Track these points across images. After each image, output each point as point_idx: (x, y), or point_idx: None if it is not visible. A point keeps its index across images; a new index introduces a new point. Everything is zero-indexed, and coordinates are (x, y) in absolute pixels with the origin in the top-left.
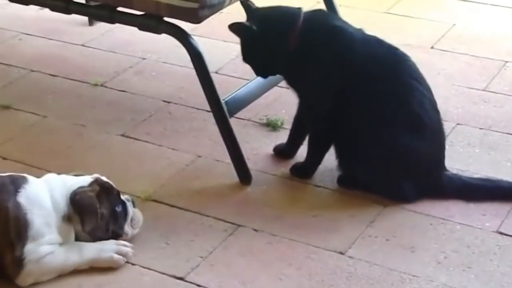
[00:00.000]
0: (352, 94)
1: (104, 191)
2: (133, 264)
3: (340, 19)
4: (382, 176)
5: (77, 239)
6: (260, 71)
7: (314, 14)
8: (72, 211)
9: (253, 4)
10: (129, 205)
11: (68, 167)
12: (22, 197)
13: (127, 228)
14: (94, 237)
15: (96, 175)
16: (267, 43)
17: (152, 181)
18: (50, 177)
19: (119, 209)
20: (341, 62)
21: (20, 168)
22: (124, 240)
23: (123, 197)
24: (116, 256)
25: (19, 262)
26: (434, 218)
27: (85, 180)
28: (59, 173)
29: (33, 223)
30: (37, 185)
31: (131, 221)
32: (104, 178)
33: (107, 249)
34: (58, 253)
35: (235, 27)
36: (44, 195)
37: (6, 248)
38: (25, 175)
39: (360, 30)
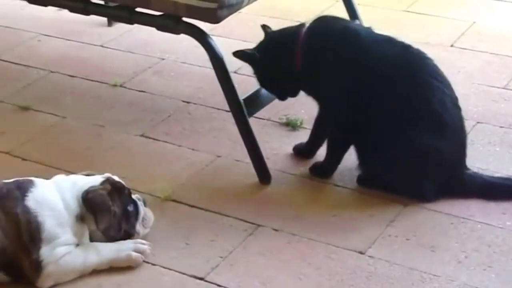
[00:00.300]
0: (369, 95)
1: (116, 190)
2: (153, 264)
3: (345, 20)
4: (403, 175)
5: (92, 240)
6: (279, 95)
7: (318, 22)
8: (85, 210)
9: (269, 28)
10: (140, 204)
11: (87, 167)
12: (30, 201)
13: (139, 227)
14: (108, 237)
15: (107, 175)
16: (273, 67)
17: (171, 181)
18: (59, 178)
19: (130, 208)
20: (353, 63)
21: (39, 168)
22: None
23: (134, 196)
24: (134, 254)
25: (37, 265)
26: (455, 217)
27: (96, 179)
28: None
29: (45, 225)
30: (45, 187)
31: (142, 220)
32: (115, 177)
33: (125, 248)
34: (75, 254)
35: (238, 55)
36: (54, 196)
37: (22, 253)
38: (31, 178)
39: (369, 29)
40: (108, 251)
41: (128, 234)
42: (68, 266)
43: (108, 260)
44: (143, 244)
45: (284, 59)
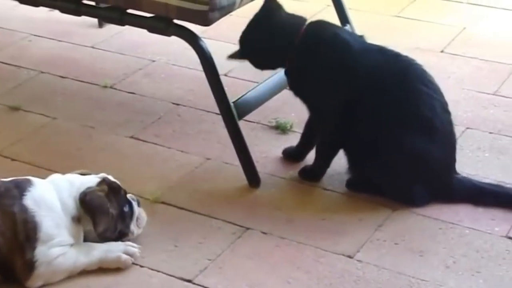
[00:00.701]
0: (359, 103)
1: (112, 191)
2: (141, 266)
3: (339, 28)
4: (392, 180)
5: (85, 239)
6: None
7: (310, 27)
8: (82, 212)
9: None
10: (134, 204)
11: (77, 168)
12: (28, 200)
13: (133, 227)
14: (103, 238)
15: (103, 175)
16: (265, 60)
17: (161, 183)
18: (56, 177)
19: (126, 209)
20: (342, 72)
21: (29, 169)
22: (129, 239)
23: (128, 196)
24: (124, 256)
25: (31, 265)
26: (443, 222)
27: (92, 180)
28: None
29: (42, 225)
30: (43, 187)
31: (137, 220)
32: (111, 178)
33: (115, 249)
34: (69, 255)
35: (233, 57)
36: (52, 197)
37: (16, 252)
38: (29, 177)
39: (361, 38)
40: (99, 252)
41: (122, 234)
42: (60, 267)
43: (98, 261)
44: (133, 247)
45: (276, 56)
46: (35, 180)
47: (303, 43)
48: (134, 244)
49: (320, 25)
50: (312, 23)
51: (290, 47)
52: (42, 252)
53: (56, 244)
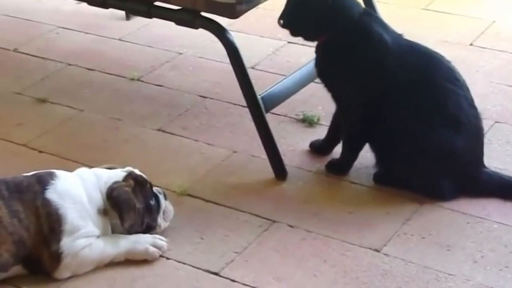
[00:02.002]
0: (387, 98)
1: (138, 184)
2: (167, 259)
3: (385, 26)
4: (420, 173)
5: (113, 231)
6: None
7: (368, 16)
8: (109, 207)
9: None
10: (161, 197)
11: (104, 160)
12: (52, 194)
13: (160, 220)
14: (131, 231)
15: (129, 168)
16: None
17: (187, 176)
18: (83, 171)
19: (152, 202)
20: (376, 72)
21: (56, 161)
22: (157, 232)
23: (154, 189)
24: (151, 248)
25: (57, 256)
26: (471, 216)
27: (119, 174)
28: (93, 167)
29: (67, 217)
30: (67, 179)
31: (163, 213)
32: (137, 171)
33: (143, 241)
34: (95, 246)
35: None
36: (77, 189)
37: (42, 245)
38: (53, 170)
39: (400, 36)
40: (127, 243)
41: (149, 227)
42: (87, 258)
43: (126, 252)
44: (162, 240)
45: (318, 26)
46: (59, 173)
47: (348, 27)
48: (162, 238)
49: (371, 19)
50: (366, 13)
51: (335, 24)
52: (67, 243)
53: (82, 236)
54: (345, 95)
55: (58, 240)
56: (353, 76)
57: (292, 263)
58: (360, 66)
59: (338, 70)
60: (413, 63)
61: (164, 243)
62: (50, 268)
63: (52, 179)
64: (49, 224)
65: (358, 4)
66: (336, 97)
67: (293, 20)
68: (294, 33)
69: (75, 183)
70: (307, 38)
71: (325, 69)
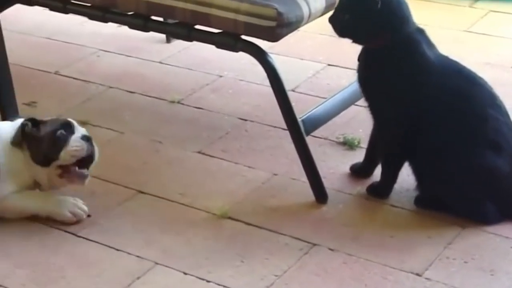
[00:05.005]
0: (427, 120)
1: (50, 121)
2: (208, 281)
3: (433, 47)
4: (463, 197)
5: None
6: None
7: (420, 33)
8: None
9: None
10: (78, 137)
11: (144, 183)
12: None
13: (64, 154)
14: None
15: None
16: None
17: (228, 199)
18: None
19: (59, 134)
20: (418, 92)
21: (96, 183)
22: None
23: (83, 132)
24: (69, 214)
25: None
26: None
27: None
28: (134, 189)
29: None
30: None
31: (85, 161)
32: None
33: (63, 205)
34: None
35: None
36: None
37: None
38: None
39: (445, 58)
40: (48, 201)
41: (48, 159)
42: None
43: (46, 210)
44: (82, 209)
45: (369, 29)
46: None
47: (397, 39)
48: (84, 207)
49: (422, 36)
50: (419, 29)
51: (387, 33)
52: None
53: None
54: (384, 109)
55: None
56: (394, 90)
57: (333, 287)
58: (402, 81)
59: (379, 80)
60: (456, 86)
61: (83, 213)
62: None
63: None
64: None
65: (411, 16)
66: (374, 110)
67: (343, 21)
68: (341, 34)
69: None
70: (356, 40)
71: (366, 77)
